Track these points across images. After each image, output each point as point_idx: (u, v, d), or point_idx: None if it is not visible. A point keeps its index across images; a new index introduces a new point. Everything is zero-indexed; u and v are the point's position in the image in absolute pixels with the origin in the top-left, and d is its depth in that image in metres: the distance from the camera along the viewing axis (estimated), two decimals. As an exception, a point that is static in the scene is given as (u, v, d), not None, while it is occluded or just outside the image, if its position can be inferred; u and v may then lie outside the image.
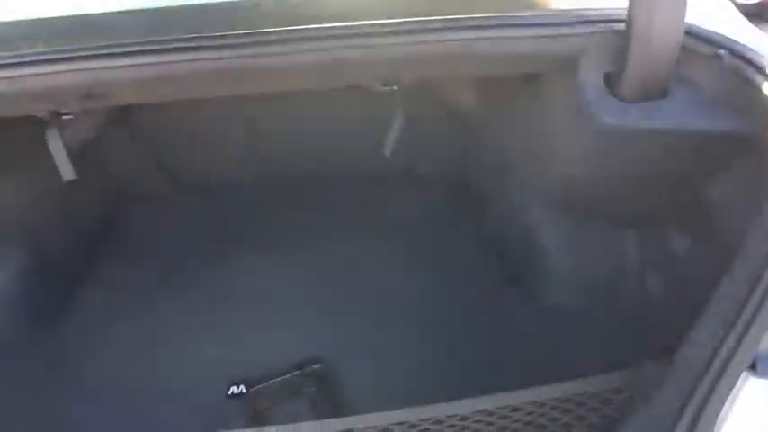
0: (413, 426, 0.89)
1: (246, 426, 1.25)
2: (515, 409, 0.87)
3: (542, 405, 0.89)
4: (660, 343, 1.34)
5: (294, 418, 1.26)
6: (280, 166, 2.03)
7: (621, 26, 1.01)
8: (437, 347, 1.43)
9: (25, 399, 1.34)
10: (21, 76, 0.86)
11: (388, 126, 1.95)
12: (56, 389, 1.37)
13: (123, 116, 1.81)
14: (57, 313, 1.56)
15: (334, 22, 0.94)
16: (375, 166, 2.13)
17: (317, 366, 1.35)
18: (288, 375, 1.34)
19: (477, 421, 0.88)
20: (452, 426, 0.88)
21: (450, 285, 1.63)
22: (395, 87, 1.11)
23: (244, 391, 1.32)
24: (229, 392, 1.32)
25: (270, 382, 1.33)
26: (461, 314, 1.53)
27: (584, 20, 1.02)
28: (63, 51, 0.88)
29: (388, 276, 1.66)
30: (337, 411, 1.27)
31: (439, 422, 0.88)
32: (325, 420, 0.93)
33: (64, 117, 1.06)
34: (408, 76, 1.08)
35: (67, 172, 1.13)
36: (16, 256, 1.44)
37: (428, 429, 0.88)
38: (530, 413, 0.88)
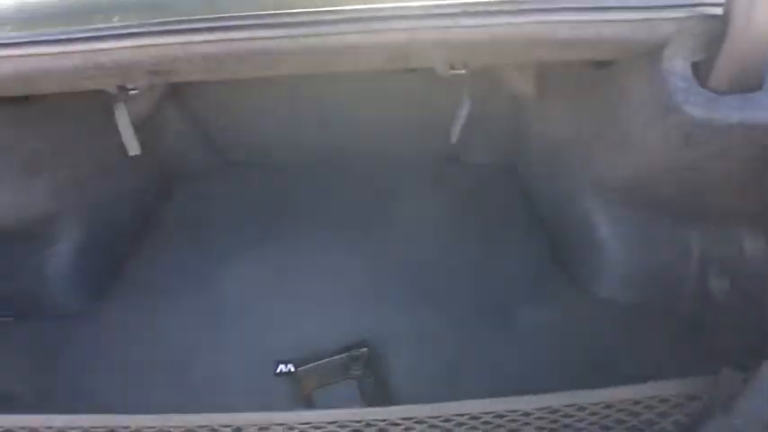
0: (475, 417, 0.87)
1: (293, 404, 1.27)
2: (581, 408, 0.84)
3: (609, 407, 0.86)
4: (721, 348, 1.30)
5: (340, 400, 1.27)
6: (328, 147, 2.02)
7: (714, 10, 0.94)
8: (487, 336, 1.41)
9: (84, 368, 1.38)
10: (96, 50, 0.85)
11: (436, 108, 1.92)
12: (107, 361, 1.40)
13: (174, 92, 1.82)
14: (110, 286, 1.59)
15: (409, 1, 0.90)
16: (424, 148, 2.11)
17: (364, 350, 1.34)
18: (335, 357, 1.33)
19: (540, 418, 0.85)
20: (514, 421, 0.85)
21: (501, 273, 1.60)
22: (463, 71, 1.07)
23: (291, 370, 1.32)
24: (277, 371, 1.33)
25: (317, 362, 1.33)
26: (513, 303, 1.50)
27: (672, 4, 0.95)
28: (135, 26, 0.87)
29: (438, 261, 1.64)
30: (384, 396, 1.26)
31: (500, 416, 0.86)
32: (369, 409, 0.92)
33: (130, 92, 1.06)
34: (479, 61, 1.04)
35: (133, 147, 1.13)
36: (75, 229, 1.46)
37: (489, 423, 0.85)
38: (594, 414, 0.85)
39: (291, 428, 0.86)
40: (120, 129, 1.10)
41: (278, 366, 1.33)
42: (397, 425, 0.87)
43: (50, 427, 0.87)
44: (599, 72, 1.20)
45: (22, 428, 0.86)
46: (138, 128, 1.37)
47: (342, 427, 0.87)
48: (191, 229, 1.82)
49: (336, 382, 1.29)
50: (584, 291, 1.53)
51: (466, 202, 1.88)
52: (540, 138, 1.64)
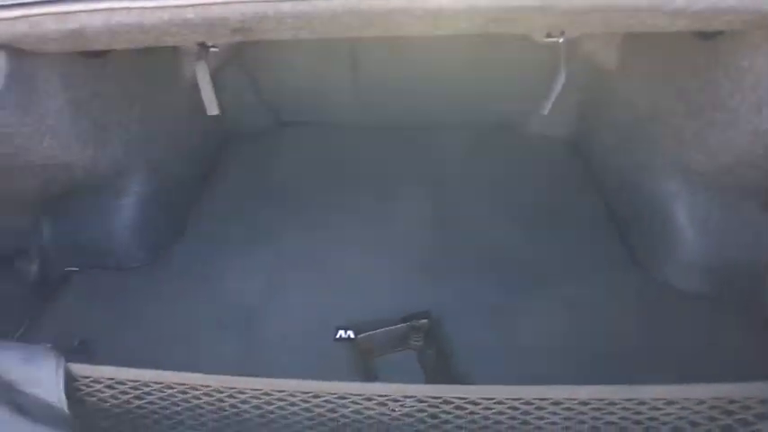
0: (556, 403, 0.84)
1: (351, 371, 1.26)
2: (669, 403, 0.81)
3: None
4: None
5: (400, 370, 1.26)
6: (388, 111, 1.97)
7: None
8: (548, 312, 1.37)
9: (147, 321, 1.40)
10: (185, 6, 0.81)
11: (493, 75, 1.84)
12: (169, 315, 1.41)
13: (236, 50, 1.78)
14: (173, 240, 1.61)
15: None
16: (480, 115, 2.04)
17: (424, 321, 1.32)
18: (395, 327, 1.32)
19: (625, 409, 0.82)
20: (598, 409, 0.82)
21: (565, 248, 1.55)
22: (560, 40, 1.00)
23: (351, 336, 1.32)
24: (337, 336, 1.32)
25: (377, 331, 1.31)
26: (576, 280, 1.44)
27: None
28: None
29: (501, 233, 1.59)
30: (445, 368, 1.25)
31: (584, 404, 0.83)
32: (438, 386, 0.89)
33: (210, 50, 1.02)
34: (580, 29, 0.96)
35: (212, 106, 1.10)
36: (140, 183, 1.47)
37: (572, 410, 0.83)
38: (685, 408, 0.81)
39: (382, 404, 0.85)
40: (200, 87, 1.07)
41: (337, 332, 1.33)
42: (477, 404, 0.85)
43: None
44: (702, 44, 1.11)
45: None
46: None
47: (420, 402, 0.85)
48: (249, 188, 1.82)
49: (396, 351, 1.29)
50: (649, 274, 1.47)
51: (525, 172, 1.82)
52: (619, 112, 1.54)
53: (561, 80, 1.15)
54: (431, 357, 1.26)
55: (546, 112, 1.23)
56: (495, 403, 0.85)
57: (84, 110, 1.15)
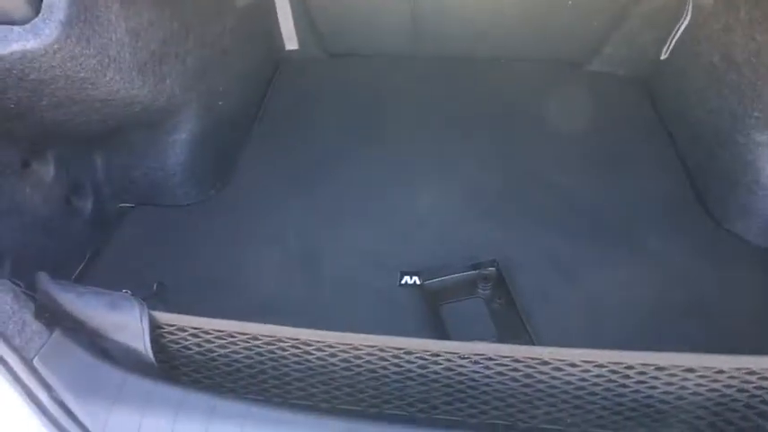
0: (630, 367, 0.79)
1: (419, 318, 1.22)
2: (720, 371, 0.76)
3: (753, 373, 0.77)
4: None
5: (468, 318, 1.21)
6: (446, 41, 1.82)
7: None
8: (617, 262, 1.30)
9: (205, 259, 1.36)
10: None
11: (573, 10, 1.67)
12: (225, 254, 1.36)
13: None
14: (226, 176, 1.54)
15: None
16: (554, 52, 1.88)
17: (492, 269, 1.27)
18: (463, 274, 1.26)
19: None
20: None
21: (634, 193, 1.46)
22: None
23: (417, 282, 1.27)
24: (402, 281, 1.28)
25: (444, 277, 1.26)
26: (646, 229, 1.37)
27: None
28: None
29: (568, 177, 1.50)
30: (514, 318, 1.20)
31: (630, 367, 0.78)
32: (537, 347, 0.85)
33: None
34: None
35: (291, 40, 0.99)
36: (194, 119, 1.38)
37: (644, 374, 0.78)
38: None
39: (476, 362, 0.81)
40: (280, 22, 0.95)
41: (402, 277, 1.28)
42: (575, 366, 0.80)
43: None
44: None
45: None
46: (251, 13, 1.22)
47: (516, 361, 0.81)
48: (301, 123, 1.72)
49: (464, 299, 1.24)
50: (721, 226, 1.39)
51: (593, 111, 1.69)
52: (707, 52, 1.39)
53: (685, 22, 1.00)
54: (500, 307, 1.22)
55: (664, 56, 1.09)
56: (595, 366, 0.81)
57: (142, 40, 1.05)
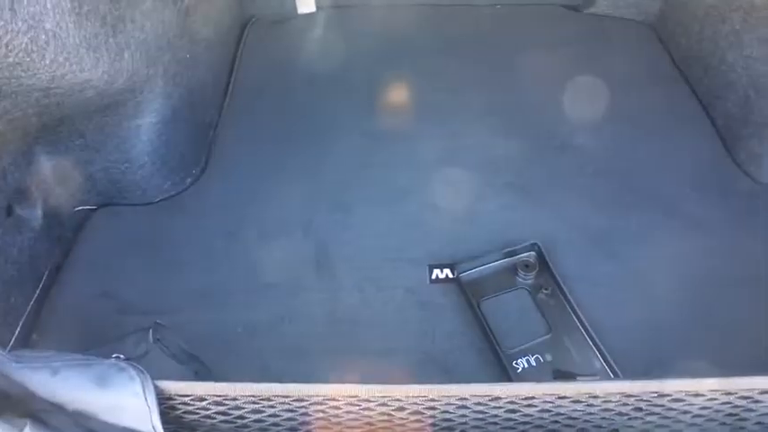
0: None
1: (458, 317, 1.03)
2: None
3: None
4: None
5: (514, 314, 1.03)
6: None
7: None
8: (658, 230, 1.15)
9: (184, 262, 1.11)
10: None
11: None
12: (208, 253, 1.12)
13: None
14: (201, 163, 1.26)
15: None
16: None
17: (532, 253, 1.09)
18: (501, 261, 1.08)
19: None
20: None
21: (659, 152, 1.30)
22: None
23: (450, 276, 1.08)
24: (433, 277, 1.08)
25: (480, 267, 1.07)
26: (676, 190, 1.22)
27: None
28: None
29: (590, 137, 1.32)
30: (564, 309, 1.04)
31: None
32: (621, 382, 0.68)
33: None
34: None
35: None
36: (159, 98, 1.08)
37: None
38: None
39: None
40: None
41: (433, 272, 1.09)
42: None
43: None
44: None
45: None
46: None
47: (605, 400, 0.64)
48: (280, 90, 1.43)
49: (506, 291, 1.06)
50: (761, 184, 1.25)
51: (602, 59, 1.49)
52: None
53: None
54: (547, 297, 1.05)
55: None
56: (722, 394, 0.65)
57: (88, 3, 0.74)
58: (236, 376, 0.92)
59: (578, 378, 0.89)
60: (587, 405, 0.67)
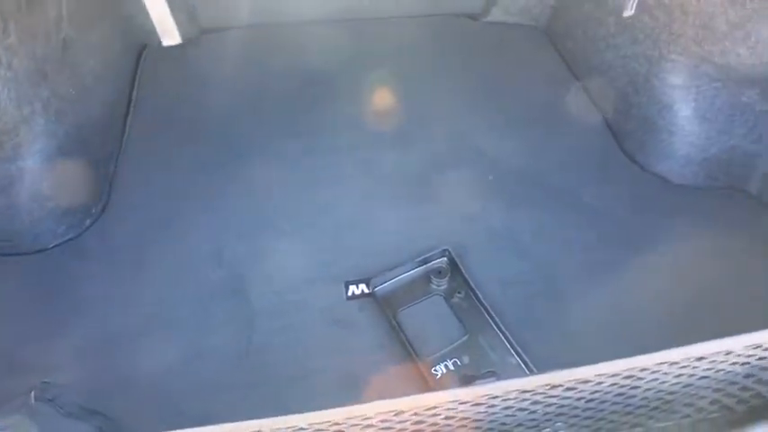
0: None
1: (376, 331, 1.03)
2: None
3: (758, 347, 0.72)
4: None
5: (431, 320, 1.05)
6: (328, 5, 1.55)
7: None
8: (563, 224, 1.21)
9: (90, 309, 1.04)
10: None
11: None
12: (113, 298, 1.06)
13: None
14: (99, 204, 1.19)
15: None
16: (444, 7, 1.69)
17: (444, 259, 1.11)
18: (413, 270, 1.10)
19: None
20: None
21: (557, 149, 1.36)
22: None
23: (366, 291, 1.08)
24: (349, 293, 1.08)
25: (394, 279, 1.08)
26: (576, 183, 1.28)
27: None
28: None
29: (492, 140, 1.36)
30: (479, 310, 1.06)
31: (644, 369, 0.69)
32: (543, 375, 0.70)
33: None
34: None
35: (171, 33, 0.69)
36: (43, 136, 1.01)
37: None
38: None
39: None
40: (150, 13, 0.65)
41: (349, 288, 1.08)
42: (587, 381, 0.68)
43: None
44: None
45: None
46: None
47: (524, 392, 0.67)
48: (182, 116, 1.39)
49: (422, 299, 1.07)
50: (648, 172, 1.35)
51: (500, 65, 1.57)
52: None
53: None
54: (461, 301, 1.07)
55: (628, 13, 0.95)
56: (609, 377, 0.69)
57: None
58: (148, 426, 0.87)
59: (476, 381, 0.91)
60: (489, 406, 0.68)
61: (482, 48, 1.63)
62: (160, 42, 1.42)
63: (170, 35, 0.67)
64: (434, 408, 0.66)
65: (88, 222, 1.15)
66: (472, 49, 1.64)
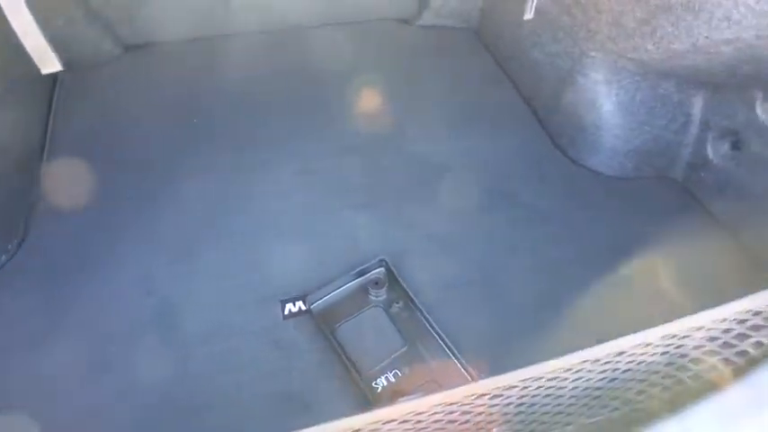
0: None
1: (316, 349, 1.00)
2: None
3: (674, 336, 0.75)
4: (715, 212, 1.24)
5: (371, 333, 1.03)
6: (257, 16, 1.52)
7: None
8: (498, 225, 1.22)
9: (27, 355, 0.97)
10: None
11: None
12: (34, 343, 1.00)
13: None
14: (18, 236, 1.12)
15: None
16: (376, 13, 1.68)
17: (380, 269, 1.10)
18: (349, 283, 1.08)
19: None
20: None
21: (493, 149, 1.37)
22: None
23: (302, 308, 1.05)
24: (286, 312, 1.05)
25: (330, 293, 1.06)
26: (513, 182, 1.30)
27: None
28: None
29: (427, 143, 1.36)
30: (418, 319, 1.05)
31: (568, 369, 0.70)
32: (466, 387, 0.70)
33: None
34: None
35: (50, 62, 0.64)
36: None
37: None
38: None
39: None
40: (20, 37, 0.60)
41: (285, 306, 1.05)
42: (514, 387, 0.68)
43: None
44: None
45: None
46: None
47: (449, 405, 0.66)
48: (103, 142, 1.32)
49: (360, 312, 1.06)
50: (579, 165, 1.38)
51: (432, 66, 1.57)
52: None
53: None
54: (400, 311, 1.06)
55: (528, 17, 0.96)
56: (534, 380, 0.69)
57: None
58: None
59: (399, 400, 0.90)
60: (416, 423, 0.67)
61: (416, 52, 1.64)
62: (79, 66, 1.36)
63: (49, 63, 0.63)
64: (358, 431, 0.65)
65: (3, 259, 1.08)
66: (407, 53, 1.64)
